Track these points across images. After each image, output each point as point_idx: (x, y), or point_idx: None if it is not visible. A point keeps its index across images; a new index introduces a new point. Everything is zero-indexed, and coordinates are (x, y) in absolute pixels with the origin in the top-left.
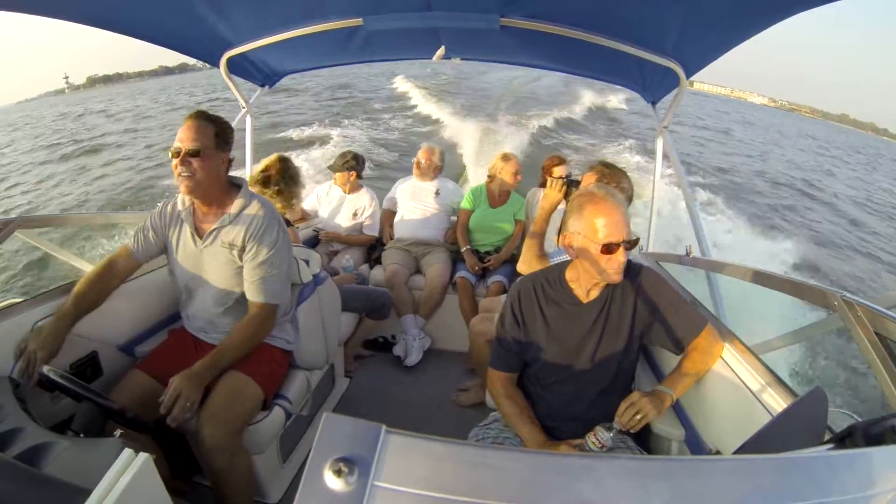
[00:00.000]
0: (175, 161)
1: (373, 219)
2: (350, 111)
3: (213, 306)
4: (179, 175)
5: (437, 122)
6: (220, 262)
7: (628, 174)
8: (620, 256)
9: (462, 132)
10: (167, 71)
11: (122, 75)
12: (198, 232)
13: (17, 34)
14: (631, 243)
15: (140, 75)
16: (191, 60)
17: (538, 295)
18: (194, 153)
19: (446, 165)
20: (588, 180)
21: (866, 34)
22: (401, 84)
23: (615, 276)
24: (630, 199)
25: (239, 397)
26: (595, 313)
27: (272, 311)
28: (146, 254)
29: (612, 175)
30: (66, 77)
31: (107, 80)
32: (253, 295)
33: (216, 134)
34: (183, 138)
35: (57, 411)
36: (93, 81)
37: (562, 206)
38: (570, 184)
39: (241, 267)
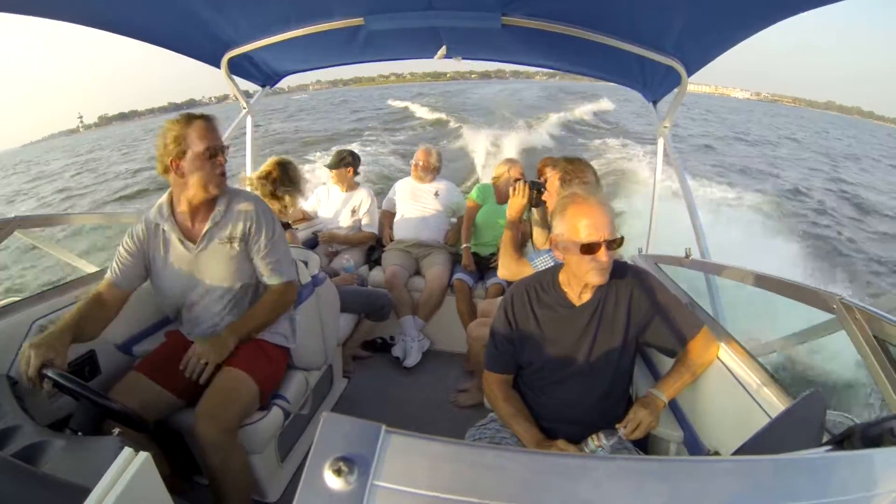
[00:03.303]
0: (214, 160)
1: (370, 216)
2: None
3: (218, 306)
4: (221, 172)
5: (446, 132)
6: (220, 259)
7: (593, 166)
8: (602, 256)
9: (472, 141)
10: (176, 107)
11: (136, 112)
12: (188, 237)
13: (19, 80)
14: (613, 242)
15: (152, 112)
16: (197, 95)
17: (531, 299)
18: (224, 150)
19: (459, 171)
20: (553, 179)
21: (842, 29)
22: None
23: (597, 276)
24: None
25: (235, 394)
26: (588, 316)
27: (294, 286)
28: (129, 282)
29: (574, 171)
30: (80, 117)
31: (122, 117)
32: (274, 278)
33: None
34: (214, 137)
35: (55, 410)
36: (105, 120)
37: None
38: (534, 186)
39: (241, 257)
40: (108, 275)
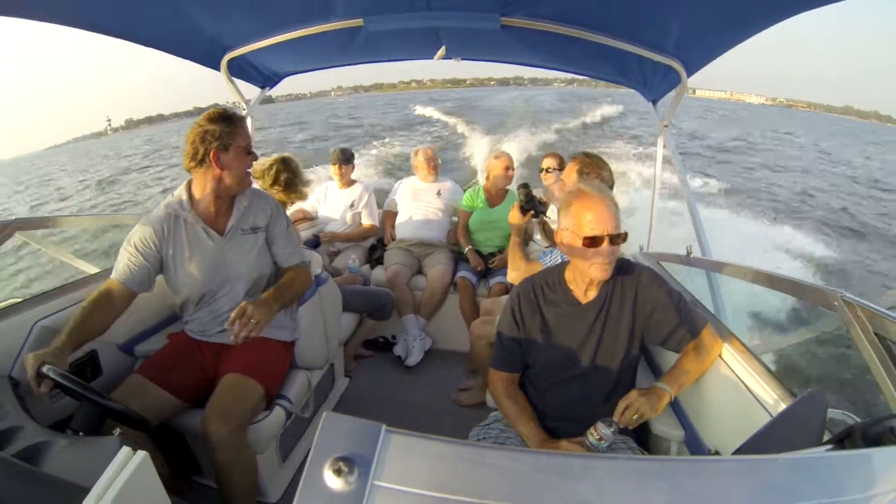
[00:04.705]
0: (250, 157)
1: (369, 207)
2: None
3: (241, 298)
4: (250, 170)
5: (455, 137)
6: (246, 249)
7: (609, 165)
8: (605, 250)
9: (476, 145)
10: (200, 111)
11: (163, 116)
12: (213, 229)
13: (43, 85)
14: (617, 237)
15: (178, 115)
16: (222, 99)
17: (538, 297)
18: None
19: (461, 176)
20: (570, 170)
21: (863, 26)
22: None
23: (600, 271)
24: (611, 188)
25: (243, 394)
26: (594, 314)
27: (309, 268)
28: (140, 283)
29: (592, 164)
30: (109, 120)
31: (150, 121)
32: (294, 259)
33: None
34: (250, 137)
35: (56, 410)
36: (132, 123)
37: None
38: (531, 200)
39: (264, 246)
40: (116, 274)
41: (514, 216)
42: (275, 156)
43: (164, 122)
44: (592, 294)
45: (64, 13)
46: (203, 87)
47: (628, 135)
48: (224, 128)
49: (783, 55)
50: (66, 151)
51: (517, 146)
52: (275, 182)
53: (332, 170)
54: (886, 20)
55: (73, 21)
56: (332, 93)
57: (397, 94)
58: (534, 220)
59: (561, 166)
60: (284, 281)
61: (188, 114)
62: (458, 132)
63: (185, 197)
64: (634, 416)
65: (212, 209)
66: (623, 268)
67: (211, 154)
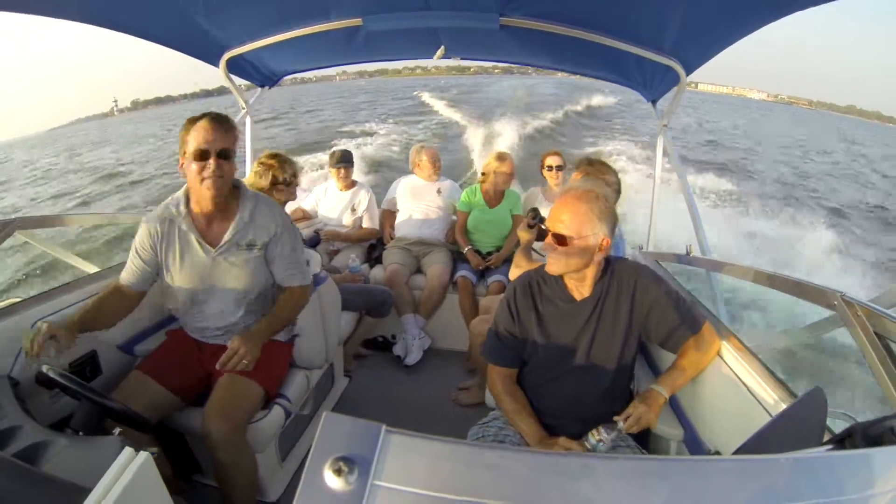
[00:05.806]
0: (203, 162)
1: (370, 212)
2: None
3: (232, 310)
4: (209, 176)
5: (453, 127)
6: (240, 265)
7: (614, 168)
8: (546, 244)
9: (472, 135)
10: (207, 93)
11: (171, 97)
12: (207, 240)
13: (47, 64)
14: (559, 237)
15: (185, 97)
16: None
17: (534, 292)
18: (226, 154)
19: (457, 164)
20: (575, 178)
21: (866, 27)
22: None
23: (548, 262)
24: (618, 193)
25: (243, 394)
26: (589, 311)
27: (309, 289)
28: (141, 284)
29: (596, 171)
30: (115, 100)
31: (158, 102)
32: (293, 281)
33: (235, 139)
34: (211, 140)
35: (56, 410)
36: (138, 104)
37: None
38: (539, 221)
39: (261, 263)
40: (122, 276)
41: (523, 233)
42: (264, 154)
43: (172, 103)
44: (586, 291)
45: (64, 7)
46: (211, 69)
47: (627, 126)
48: (183, 134)
49: (786, 52)
50: (71, 133)
51: (514, 134)
52: (272, 178)
53: (332, 172)
54: (891, 20)
55: (73, 14)
56: (337, 77)
57: (402, 80)
58: (537, 242)
59: (563, 164)
60: (278, 306)
61: (195, 96)
62: (456, 120)
63: (182, 200)
64: (635, 427)
65: (204, 217)
66: (620, 266)
67: (180, 161)
